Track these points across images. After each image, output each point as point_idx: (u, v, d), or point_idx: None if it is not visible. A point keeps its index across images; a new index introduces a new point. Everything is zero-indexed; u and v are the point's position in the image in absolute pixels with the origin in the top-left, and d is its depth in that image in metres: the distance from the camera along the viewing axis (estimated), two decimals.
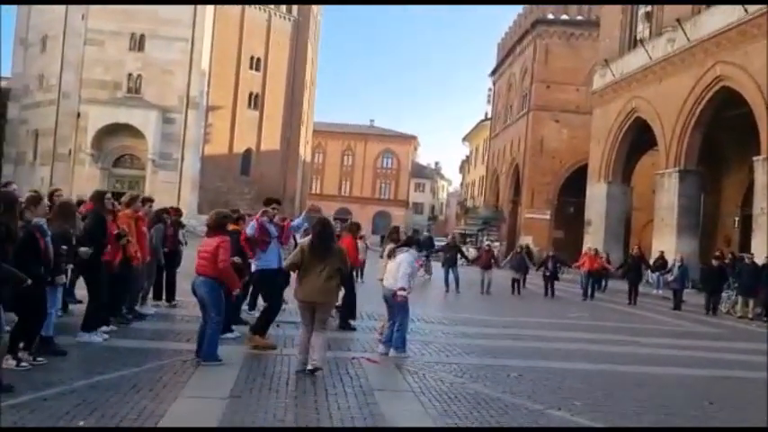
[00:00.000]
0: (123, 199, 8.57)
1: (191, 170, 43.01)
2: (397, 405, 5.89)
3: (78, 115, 41.76)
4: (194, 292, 6.92)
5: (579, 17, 41.20)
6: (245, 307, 10.26)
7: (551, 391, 6.87)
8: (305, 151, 57.83)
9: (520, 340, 10.24)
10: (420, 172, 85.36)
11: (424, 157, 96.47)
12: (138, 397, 5.41)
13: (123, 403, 5.17)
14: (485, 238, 40.45)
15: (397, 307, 8.12)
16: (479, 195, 55.79)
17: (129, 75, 42.39)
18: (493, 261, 19.53)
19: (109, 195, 7.75)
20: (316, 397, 5.84)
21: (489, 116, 55.10)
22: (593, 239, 30.84)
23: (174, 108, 42.31)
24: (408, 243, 8.90)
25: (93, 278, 7.18)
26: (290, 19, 49.98)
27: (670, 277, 18.11)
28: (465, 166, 68.01)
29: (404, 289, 8.10)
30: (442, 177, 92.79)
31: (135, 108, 41.37)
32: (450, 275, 18.26)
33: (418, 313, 12.38)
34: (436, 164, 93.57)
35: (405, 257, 8.44)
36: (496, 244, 37.97)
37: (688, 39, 24.30)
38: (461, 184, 71.49)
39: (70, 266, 6.85)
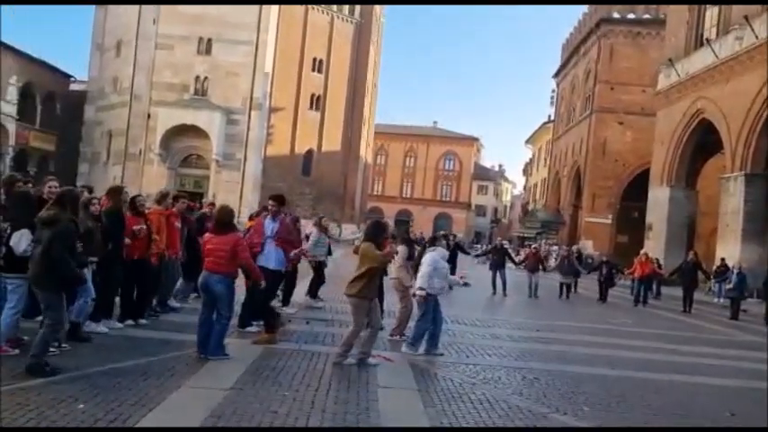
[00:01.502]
0: (155, 196, 8.89)
1: (253, 170, 43.99)
2: (396, 403, 5.92)
3: (148, 116, 43.39)
4: (204, 289, 7.08)
5: (646, 16, 39.95)
6: (277, 303, 10.49)
7: (563, 395, 6.76)
8: (366, 152, 58.24)
9: (548, 344, 10.08)
10: (483, 174, 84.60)
11: (488, 160, 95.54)
12: (144, 384, 5.64)
13: (126, 389, 5.41)
14: (543, 241, 39.81)
15: (418, 306, 8.21)
16: (541, 198, 54.88)
17: (197, 77, 43.72)
18: (541, 264, 19.24)
19: (127, 190, 8.06)
20: (317, 392, 5.93)
21: (552, 118, 54.13)
22: (654, 245, 29.91)
23: (237, 109, 43.40)
24: (433, 242, 8.90)
25: (108, 272, 7.45)
26: (352, 21, 50.44)
27: (728, 285, 17.34)
28: (528, 168, 67.01)
29: (422, 288, 8.14)
30: (506, 180, 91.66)
31: (201, 109, 42.64)
32: (498, 278, 18.08)
33: (454, 314, 12.37)
34: (500, 166, 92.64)
35: (427, 257, 8.48)
36: (555, 248, 37.33)
37: (756, 36, 23.25)
38: (524, 187, 70.46)
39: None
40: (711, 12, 28.15)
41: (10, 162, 40.09)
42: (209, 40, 43.50)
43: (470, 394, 6.38)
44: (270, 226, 8.60)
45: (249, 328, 8.64)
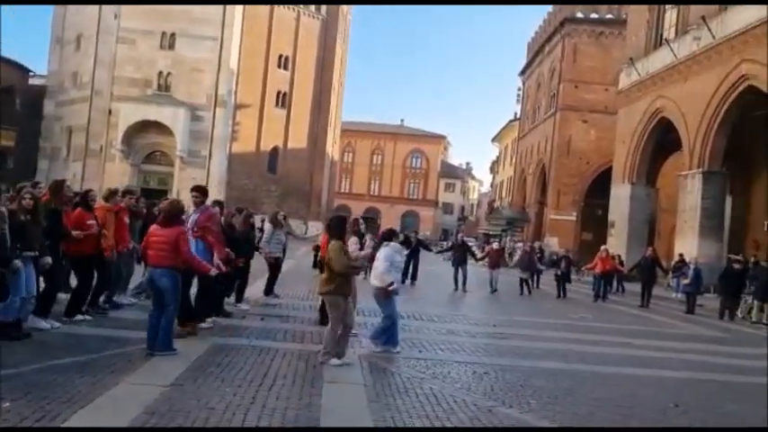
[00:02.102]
0: (103, 193, 8.70)
1: (218, 167, 43.54)
2: (339, 398, 5.85)
3: (110, 112, 42.62)
4: (151, 284, 6.93)
5: (609, 15, 40.46)
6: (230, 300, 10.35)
7: (511, 388, 6.76)
8: (332, 150, 58.04)
9: (504, 339, 10.09)
10: (450, 172, 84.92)
11: (456, 158, 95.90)
12: (80, 381, 5.48)
13: (61, 387, 5.25)
14: (508, 238, 40.10)
15: (380, 301, 8.16)
16: (507, 196, 55.30)
17: (160, 73, 43.11)
18: (502, 260, 19.37)
19: (68, 183, 7.86)
20: (259, 388, 5.83)
21: (518, 116, 54.56)
22: (616, 242, 30.32)
23: (202, 106, 42.89)
24: (389, 237, 8.82)
25: (51, 268, 7.25)
26: (318, 18, 50.19)
27: (685, 280, 17.63)
28: (495, 166, 67.46)
29: (393, 282, 8.10)
30: (473, 178, 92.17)
31: (164, 105, 42.04)
32: (459, 274, 18.13)
33: (412, 310, 12.36)
34: (467, 164, 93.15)
35: (382, 253, 8.42)
36: (520, 244, 37.58)
37: (713, 36, 23.66)
38: (491, 185, 70.94)
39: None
40: (671, 12, 28.61)
41: None
42: (173, 34, 42.94)
43: (417, 389, 6.33)
44: (192, 218, 8.39)
45: (202, 324, 8.49)
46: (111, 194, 8.67)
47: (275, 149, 48.23)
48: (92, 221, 7.73)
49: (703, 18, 24.01)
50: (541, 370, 7.88)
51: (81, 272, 7.93)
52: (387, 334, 8.08)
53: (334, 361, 6.99)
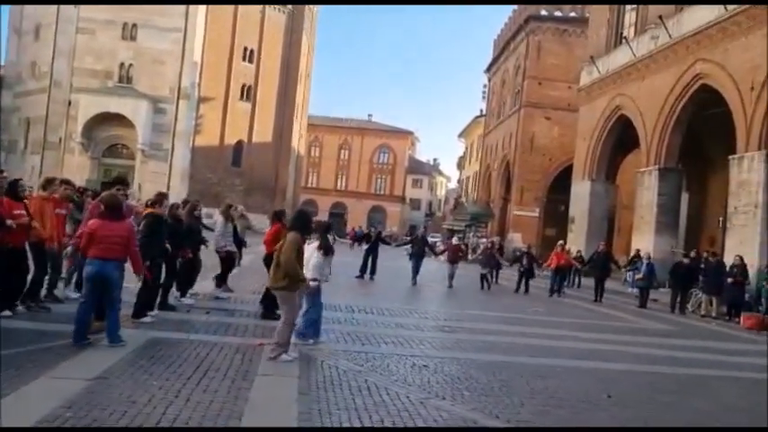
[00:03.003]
0: (39, 181, 8.49)
1: (181, 161, 43.04)
2: (270, 391, 5.80)
3: (69, 104, 41.86)
4: (97, 277, 6.76)
5: (573, 14, 40.89)
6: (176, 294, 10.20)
7: (447, 381, 6.78)
8: (298, 144, 57.73)
9: (450, 332, 10.13)
10: (418, 168, 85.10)
11: (424, 154, 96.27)
12: (2, 376, 5.31)
13: None
14: (471, 234, 40.33)
15: (307, 296, 8.09)
16: (473, 192, 55.61)
17: (121, 64, 42.46)
18: (461, 255, 19.48)
19: (6, 174, 7.65)
20: (188, 381, 5.74)
21: (484, 113, 54.87)
22: (576, 237, 30.75)
23: (165, 98, 42.34)
24: (326, 230, 8.72)
25: None
26: (284, 12, 49.81)
27: (638, 275, 17.91)
28: (461, 162, 67.76)
29: (316, 279, 8.02)
30: (441, 174, 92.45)
31: (126, 98, 41.40)
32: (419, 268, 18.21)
33: (364, 304, 12.37)
34: (434, 160, 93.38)
35: (312, 246, 8.36)
36: (483, 240, 37.84)
37: (670, 36, 24.05)
38: (458, 181, 71.25)
39: None
40: (631, 12, 29.00)
41: None
42: (135, 25, 42.33)
43: (352, 382, 6.30)
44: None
45: (144, 319, 8.36)
46: (47, 183, 8.46)
47: (240, 143, 47.80)
48: (20, 211, 7.52)
49: (660, 18, 24.40)
50: (482, 362, 7.93)
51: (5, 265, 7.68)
52: (314, 326, 8.02)
53: (285, 357, 6.91)
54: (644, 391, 7.19)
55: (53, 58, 42.39)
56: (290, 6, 50.12)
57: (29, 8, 44.75)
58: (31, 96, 43.95)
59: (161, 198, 8.58)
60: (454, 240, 20.44)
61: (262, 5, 47.97)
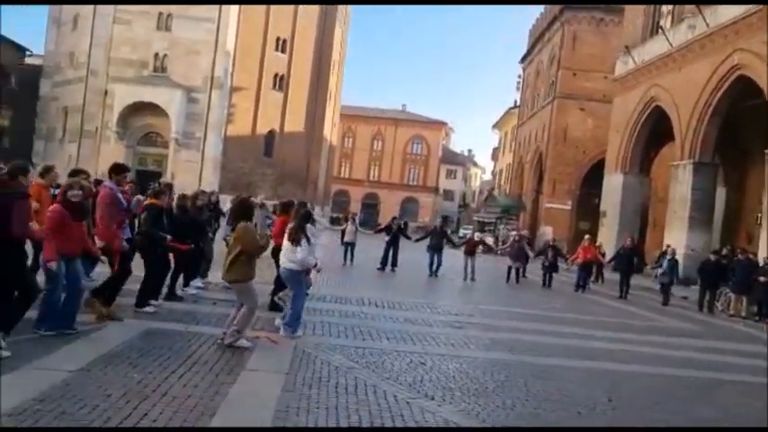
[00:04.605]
0: (39, 169, 8.52)
1: (213, 150, 43.39)
2: (252, 386, 5.69)
3: (105, 93, 42.51)
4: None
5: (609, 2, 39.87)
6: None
7: (441, 379, 6.61)
8: (331, 134, 57.75)
9: (459, 328, 9.91)
10: (452, 159, 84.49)
11: (459, 144, 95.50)
12: None
13: None
14: (503, 226, 39.86)
15: (292, 285, 8.02)
16: (506, 184, 55.00)
17: (156, 54, 42.89)
18: (482, 248, 19.23)
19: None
20: (172, 374, 5.69)
21: (518, 104, 54.13)
22: (607, 231, 30.16)
23: (198, 88, 42.68)
24: (307, 219, 8.54)
25: None
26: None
27: (659, 271, 17.40)
28: (496, 153, 67.05)
29: (315, 264, 7.99)
30: (475, 165, 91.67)
31: (160, 87, 41.85)
32: (435, 260, 18.00)
33: (376, 297, 12.24)
34: (469, 151, 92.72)
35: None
36: (513, 233, 37.33)
37: (707, 25, 23.29)
38: (492, 173, 70.57)
39: None
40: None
41: None
42: (170, 15, 42.68)
43: (341, 378, 6.19)
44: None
45: (146, 309, 8.37)
46: (46, 171, 8.47)
47: (271, 133, 47.93)
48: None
49: (698, 6, 23.62)
50: (483, 361, 7.74)
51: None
52: (299, 319, 7.95)
53: (245, 342, 6.97)
54: (649, 396, 6.90)
55: (90, 48, 43.07)
56: None
57: None
58: (68, 86, 44.79)
59: (164, 189, 8.54)
60: (474, 235, 20.10)
61: None
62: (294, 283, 7.93)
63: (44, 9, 47.61)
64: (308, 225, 7.96)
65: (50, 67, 46.50)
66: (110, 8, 42.25)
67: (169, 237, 8.55)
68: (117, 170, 8.26)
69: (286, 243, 7.93)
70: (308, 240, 7.76)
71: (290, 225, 8.06)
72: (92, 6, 43.02)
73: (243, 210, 7.57)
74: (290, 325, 7.77)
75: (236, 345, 6.91)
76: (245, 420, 4.76)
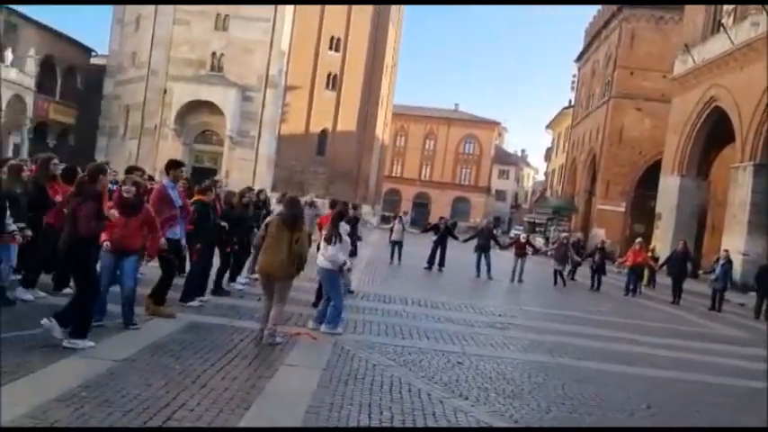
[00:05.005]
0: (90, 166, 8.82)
1: (267, 148, 44.09)
2: (288, 381, 5.82)
3: (165, 91, 43.68)
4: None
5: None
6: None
7: (478, 380, 6.61)
8: (383, 133, 57.93)
9: (500, 329, 9.85)
10: (504, 159, 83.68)
11: (512, 144, 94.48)
12: (37, 352, 5.60)
13: (15, 356, 5.35)
14: (553, 228, 39.30)
15: (328, 283, 8.12)
16: (558, 184, 54.18)
17: (213, 53, 43.82)
18: (531, 249, 19.08)
19: (56, 161, 8.01)
20: (211, 366, 5.86)
21: (572, 103, 53.23)
22: (662, 235, 29.43)
23: (253, 87, 43.42)
24: (339, 218, 8.63)
25: (32, 239, 7.45)
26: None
27: (712, 276, 16.88)
28: (549, 154, 66.11)
29: (345, 262, 8.11)
30: (528, 165, 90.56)
31: (216, 86, 42.76)
32: (483, 261, 17.91)
33: (420, 296, 12.29)
34: (522, 151, 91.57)
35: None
36: (565, 234, 36.79)
37: None
38: (545, 173, 69.58)
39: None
40: None
41: (29, 134, 40.76)
42: (227, 16, 43.52)
43: (377, 376, 6.26)
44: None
45: (191, 303, 8.62)
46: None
47: (324, 131, 48.43)
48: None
49: (762, 3, 22.79)
50: (521, 362, 7.71)
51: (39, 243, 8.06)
52: (340, 315, 8.07)
53: (279, 338, 7.15)
54: (688, 403, 6.76)
55: (151, 48, 44.33)
56: None
57: None
58: (130, 84, 46.21)
59: (210, 186, 8.79)
60: (521, 236, 19.90)
61: None
62: (328, 281, 8.05)
63: (108, 10, 49.21)
64: (342, 223, 8.09)
65: (114, 67, 48.06)
66: (170, 9, 43.38)
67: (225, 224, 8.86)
68: (173, 166, 8.54)
69: (322, 243, 8.07)
70: (340, 239, 7.88)
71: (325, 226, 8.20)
72: (153, 7, 44.27)
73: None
74: (331, 322, 7.89)
75: (275, 342, 7.05)
76: (278, 414, 4.89)
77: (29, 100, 39.53)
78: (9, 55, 37.16)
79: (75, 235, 6.09)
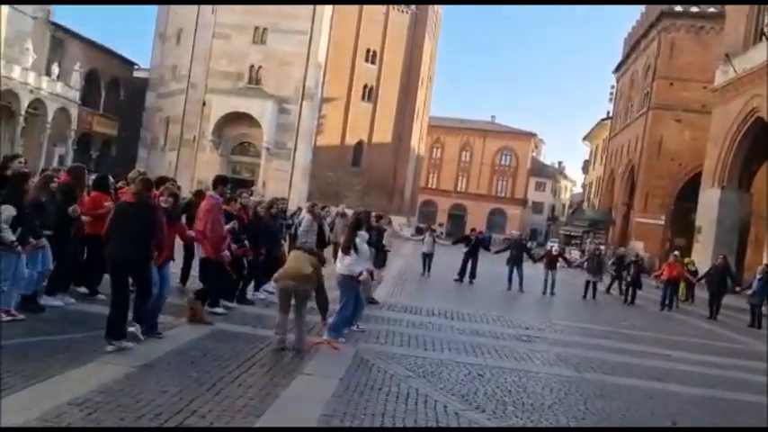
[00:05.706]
0: (131, 175, 9.01)
1: (303, 159, 44.54)
2: (304, 390, 5.82)
3: (203, 104, 44.54)
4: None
5: (711, 9, 38.07)
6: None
7: (497, 393, 6.52)
8: (419, 145, 57.99)
9: (526, 342, 9.71)
10: (541, 171, 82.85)
11: (549, 156, 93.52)
12: (60, 357, 5.72)
13: (35, 361, 5.49)
14: (589, 240, 38.69)
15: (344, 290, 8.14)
16: (596, 197, 53.37)
17: (251, 66, 44.61)
18: (563, 261, 18.83)
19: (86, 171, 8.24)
20: (228, 374, 5.90)
21: (610, 115, 52.48)
22: (703, 248, 28.70)
23: (290, 99, 43.99)
24: (357, 226, 8.65)
25: (60, 247, 7.64)
26: (407, 12, 50.22)
27: (749, 291, 16.37)
28: (586, 166, 65.20)
29: (362, 273, 8.12)
30: (565, 177, 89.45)
31: (253, 98, 43.45)
32: (515, 274, 17.73)
33: (446, 308, 12.22)
34: (559, 163, 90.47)
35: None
36: (602, 247, 36.22)
37: None
38: (582, 185, 68.65)
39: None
40: None
41: (73, 145, 41.92)
42: (265, 29, 44.30)
43: (394, 387, 6.23)
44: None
45: (216, 310, 8.72)
46: (133, 180, 8.99)
47: (360, 143, 48.74)
48: (109, 203, 8.10)
49: None
50: (544, 376, 7.58)
51: (92, 251, 8.27)
52: (348, 323, 8.11)
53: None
54: (715, 421, 6.56)
55: (191, 61, 45.32)
56: (413, 8, 50.43)
57: (172, 14, 48.08)
58: (171, 97, 47.27)
59: (234, 197, 8.92)
60: (553, 248, 19.64)
61: (386, 7, 48.62)
62: (345, 287, 8.06)
63: (151, 25, 50.42)
64: (361, 232, 8.12)
65: (155, 80, 49.21)
66: (210, 23, 44.32)
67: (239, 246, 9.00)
68: (221, 182, 8.79)
69: (339, 252, 8.12)
70: (356, 249, 7.90)
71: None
72: (193, 22, 45.27)
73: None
74: (334, 330, 7.89)
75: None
76: (289, 422, 4.90)
77: (73, 112, 40.71)
78: (55, 69, 38.37)
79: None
